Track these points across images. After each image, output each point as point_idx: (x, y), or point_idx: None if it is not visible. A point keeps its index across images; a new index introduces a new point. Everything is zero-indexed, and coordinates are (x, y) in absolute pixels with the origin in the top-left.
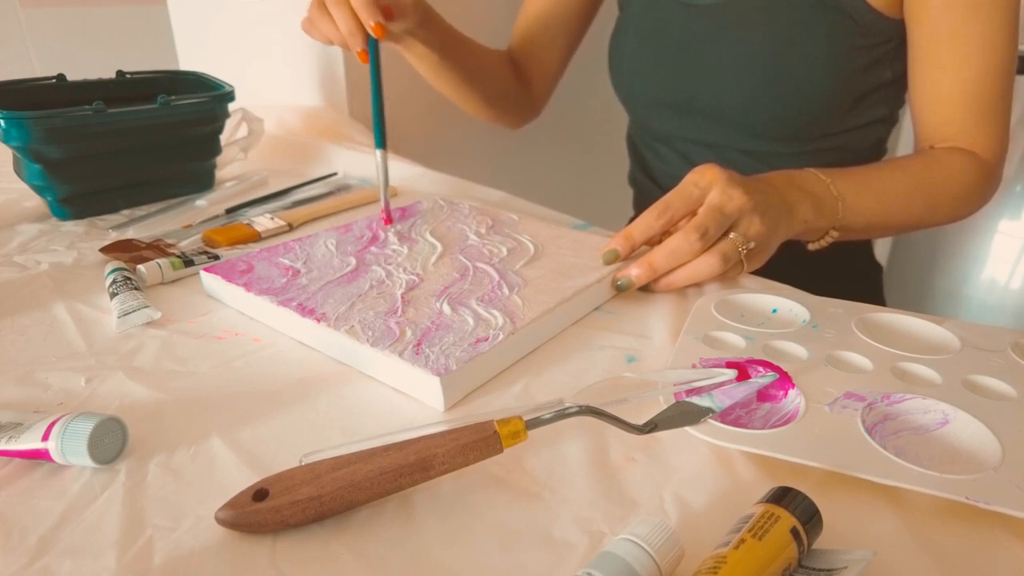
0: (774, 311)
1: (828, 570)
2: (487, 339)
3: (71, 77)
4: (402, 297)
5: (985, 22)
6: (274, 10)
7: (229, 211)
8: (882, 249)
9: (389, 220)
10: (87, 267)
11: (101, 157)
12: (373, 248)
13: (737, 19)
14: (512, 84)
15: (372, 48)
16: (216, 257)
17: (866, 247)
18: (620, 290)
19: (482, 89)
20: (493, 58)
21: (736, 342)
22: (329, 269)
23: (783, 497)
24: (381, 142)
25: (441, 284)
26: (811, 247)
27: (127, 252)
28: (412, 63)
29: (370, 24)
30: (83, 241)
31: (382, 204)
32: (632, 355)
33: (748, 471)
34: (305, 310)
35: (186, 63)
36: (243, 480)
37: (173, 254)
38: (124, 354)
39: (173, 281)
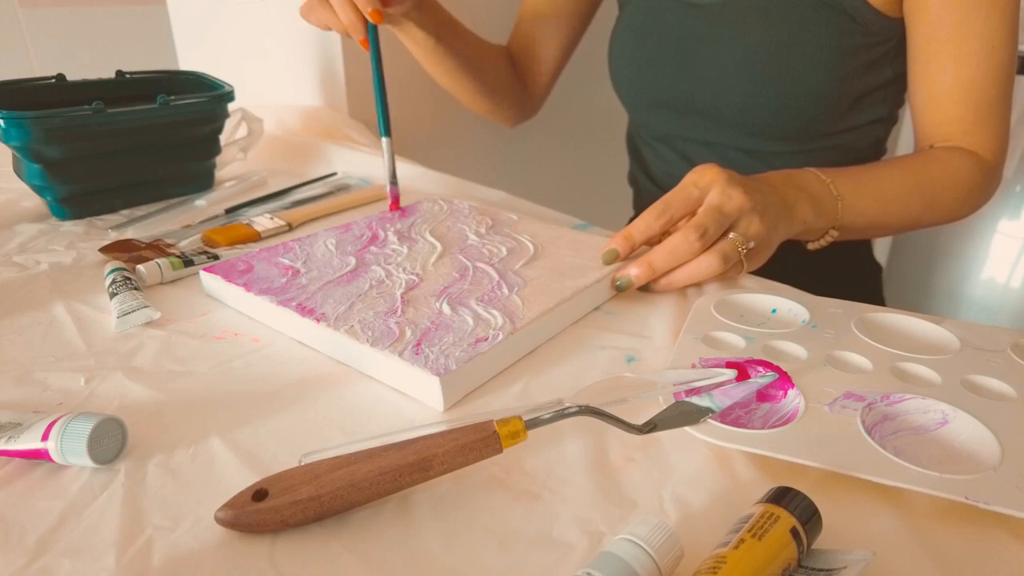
0: (773, 311)
1: (827, 570)
2: (487, 339)
3: (71, 77)
4: (402, 297)
5: (985, 20)
6: (274, 10)
7: (229, 211)
8: (882, 249)
9: (395, 206)
10: (86, 267)
11: (100, 157)
12: (373, 248)
13: (736, 18)
14: (510, 79)
15: (372, 35)
16: (216, 257)
17: (866, 247)
18: (620, 290)
19: (479, 79)
20: (491, 51)
21: (736, 342)
22: (329, 269)
23: (783, 497)
24: (386, 130)
25: (441, 284)
26: (811, 247)
27: (126, 252)
28: (409, 47)
29: (367, 11)
30: (82, 241)
31: (388, 190)
32: (632, 355)
33: (747, 471)
34: (305, 310)
35: (185, 63)
36: (242, 480)
37: (173, 254)
38: (123, 354)
39: (173, 281)
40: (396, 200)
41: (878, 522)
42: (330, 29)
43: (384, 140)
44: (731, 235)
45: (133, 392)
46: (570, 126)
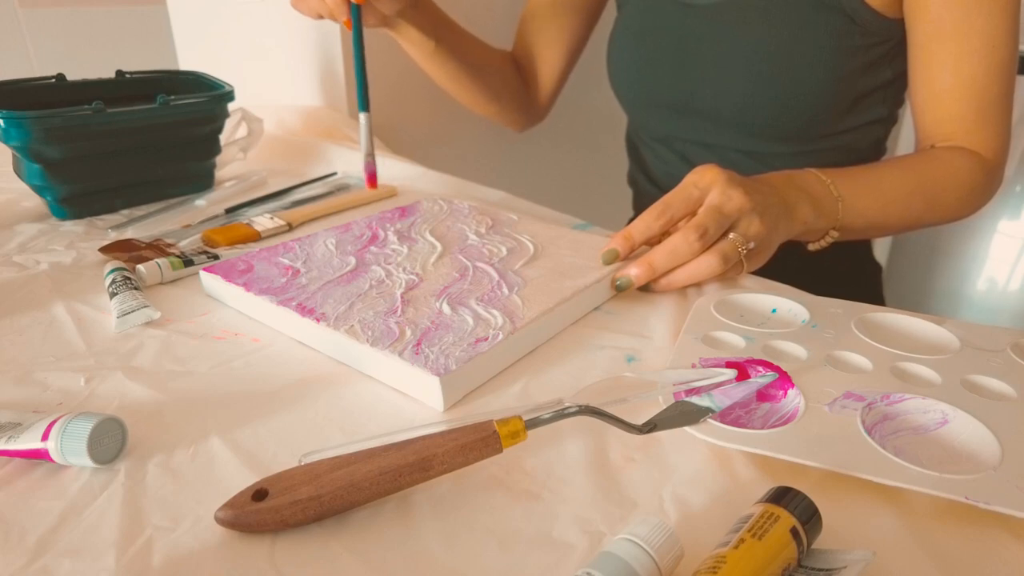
0: (773, 311)
1: (827, 570)
2: (487, 339)
3: (71, 77)
4: (402, 297)
5: (986, 18)
6: (274, 10)
7: (229, 211)
8: (882, 249)
9: (372, 183)
10: (86, 267)
11: (100, 157)
12: (373, 248)
13: (735, 19)
14: (515, 84)
15: (355, 15)
16: (216, 257)
17: (866, 247)
18: (619, 290)
19: (483, 83)
20: (495, 55)
21: (736, 342)
22: (329, 269)
23: (783, 497)
24: (364, 105)
25: (441, 284)
26: (811, 247)
27: (126, 252)
28: (409, 51)
29: None
30: (82, 241)
31: (363, 165)
32: (632, 355)
33: (747, 471)
34: (305, 310)
35: (185, 63)
36: (242, 480)
37: (173, 254)
38: (123, 354)
39: (172, 281)
40: (372, 176)
41: (878, 522)
42: (322, 18)
43: (362, 115)
44: (731, 235)
45: (133, 392)
46: (570, 127)
